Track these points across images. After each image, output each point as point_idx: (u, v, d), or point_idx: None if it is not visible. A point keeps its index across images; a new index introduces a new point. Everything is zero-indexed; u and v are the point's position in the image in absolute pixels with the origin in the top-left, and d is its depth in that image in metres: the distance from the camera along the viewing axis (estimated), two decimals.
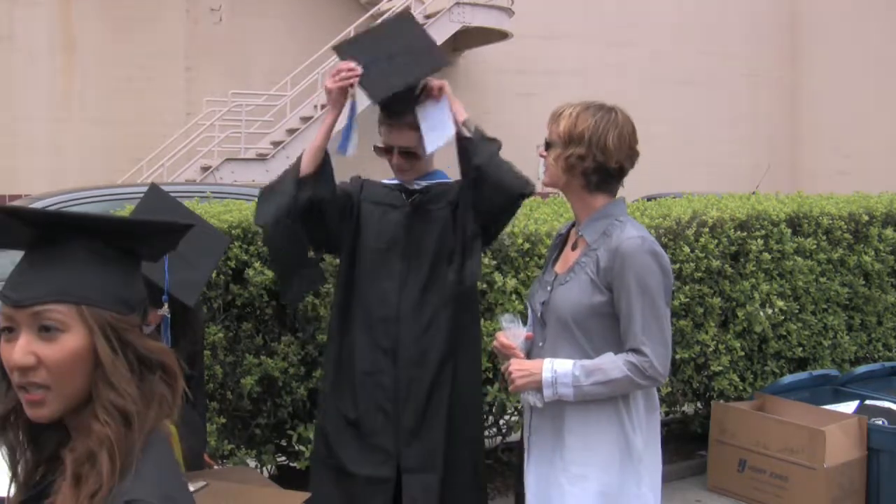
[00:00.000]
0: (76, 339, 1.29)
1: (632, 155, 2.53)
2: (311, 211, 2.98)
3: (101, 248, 1.34)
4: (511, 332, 2.60)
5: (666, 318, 2.46)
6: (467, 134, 2.91)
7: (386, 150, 3.04)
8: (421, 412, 2.98)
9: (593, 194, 2.53)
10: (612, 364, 2.41)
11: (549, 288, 2.59)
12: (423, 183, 3.10)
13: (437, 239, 3.03)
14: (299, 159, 3.00)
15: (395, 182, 3.14)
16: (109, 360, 1.30)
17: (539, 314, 2.62)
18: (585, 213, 2.56)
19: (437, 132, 2.90)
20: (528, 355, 2.62)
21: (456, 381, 3.01)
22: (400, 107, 2.94)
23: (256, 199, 3.10)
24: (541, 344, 2.59)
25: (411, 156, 3.02)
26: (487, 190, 2.85)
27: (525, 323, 2.69)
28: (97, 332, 1.30)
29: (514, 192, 2.88)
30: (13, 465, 1.36)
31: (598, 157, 2.47)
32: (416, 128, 2.94)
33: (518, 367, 2.53)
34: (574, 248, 2.60)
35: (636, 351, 2.40)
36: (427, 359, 2.99)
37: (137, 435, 1.30)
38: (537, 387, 2.48)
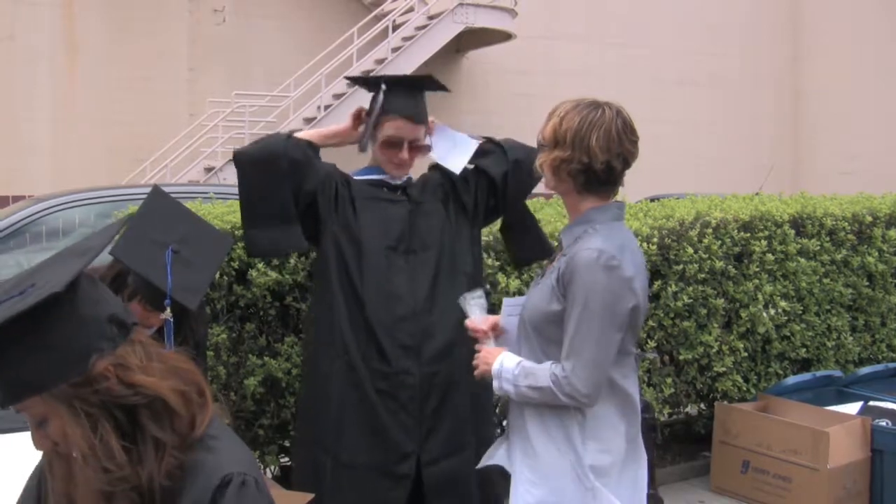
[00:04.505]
0: (59, 421, 1.36)
1: (623, 154, 2.38)
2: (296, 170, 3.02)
3: (13, 336, 1.33)
4: (477, 312, 2.61)
5: (605, 339, 2.32)
6: (484, 140, 3.24)
7: (394, 145, 3.06)
8: (441, 406, 2.99)
9: (582, 196, 2.45)
10: (543, 372, 2.36)
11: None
12: (403, 177, 3.18)
13: (440, 232, 3.09)
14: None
15: (374, 178, 3.14)
16: (85, 450, 1.35)
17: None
18: (573, 216, 2.50)
19: (457, 151, 3.15)
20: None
21: (472, 372, 3.01)
22: (419, 106, 3.13)
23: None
24: (521, 339, 2.57)
25: (418, 150, 3.12)
26: (526, 177, 3.11)
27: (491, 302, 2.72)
28: (64, 412, 1.35)
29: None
30: None
31: (582, 159, 2.36)
32: (424, 124, 3.15)
33: (482, 354, 2.54)
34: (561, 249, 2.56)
35: (563, 365, 2.34)
36: (445, 352, 3.00)
37: (159, 479, 1.39)
38: (490, 377, 2.48)
